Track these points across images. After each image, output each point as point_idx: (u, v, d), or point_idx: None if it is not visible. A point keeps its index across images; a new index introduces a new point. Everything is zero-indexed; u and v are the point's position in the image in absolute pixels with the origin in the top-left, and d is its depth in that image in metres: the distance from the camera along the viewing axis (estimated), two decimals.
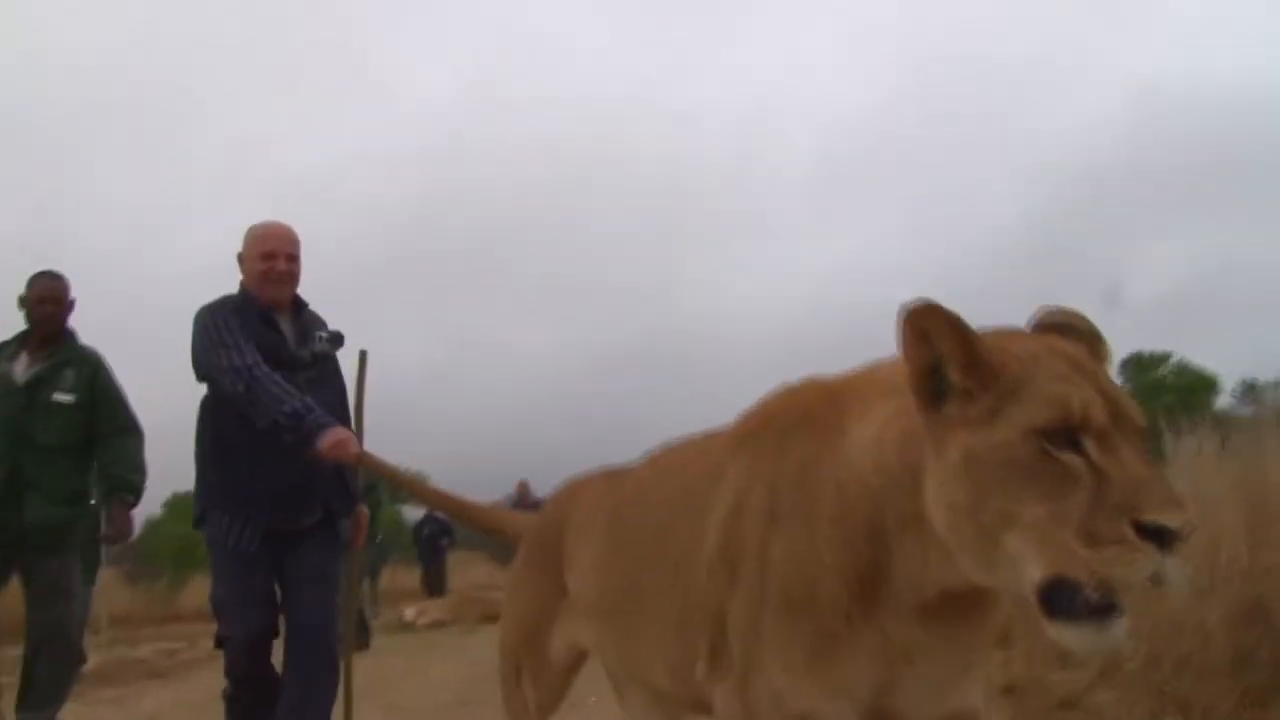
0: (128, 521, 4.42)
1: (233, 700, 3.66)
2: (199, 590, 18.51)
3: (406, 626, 13.40)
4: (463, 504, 3.89)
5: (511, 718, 2.74)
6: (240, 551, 3.58)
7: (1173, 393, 38.80)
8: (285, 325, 3.84)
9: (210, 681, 8.60)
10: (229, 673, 3.66)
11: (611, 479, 2.62)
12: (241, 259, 3.87)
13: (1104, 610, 1.35)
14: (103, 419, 4.53)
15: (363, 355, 4.01)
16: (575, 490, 2.75)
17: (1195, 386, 39.97)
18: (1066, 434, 1.39)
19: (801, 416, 1.85)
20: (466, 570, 24.49)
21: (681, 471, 2.20)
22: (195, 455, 3.81)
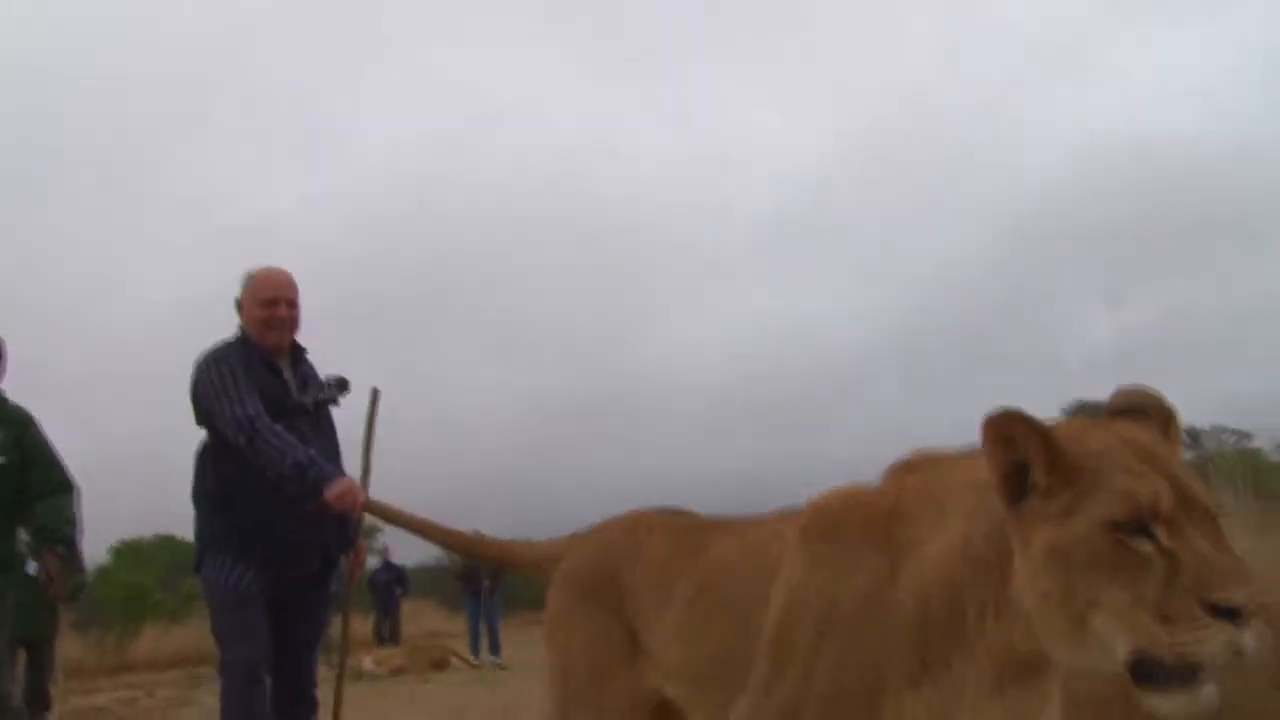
0: (60, 571, 4.20)
1: None
2: (150, 640, 18.42)
3: (362, 675, 13.49)
4: (478, 542, 3.92)
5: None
6: (241, 591, 3.62)
7: None
8: (285, 371, 3.87)
9: None
10: (226, 700, 3.65)
11: (676, 534, 2.64)
12: (240, 304, 3.88)
13: (1189, 678, 1.46)
14: (34, 479, 4.35)
15: (375, 393, 4.06)
16: (634, 536, 2.72)
17: None
18: (1137, 524, 1.51)
19: (871, 531, 1.95)
20: (417, 618, 24.38)
21: (758, 556, 2.29)
22: (194, 498, 3.83)
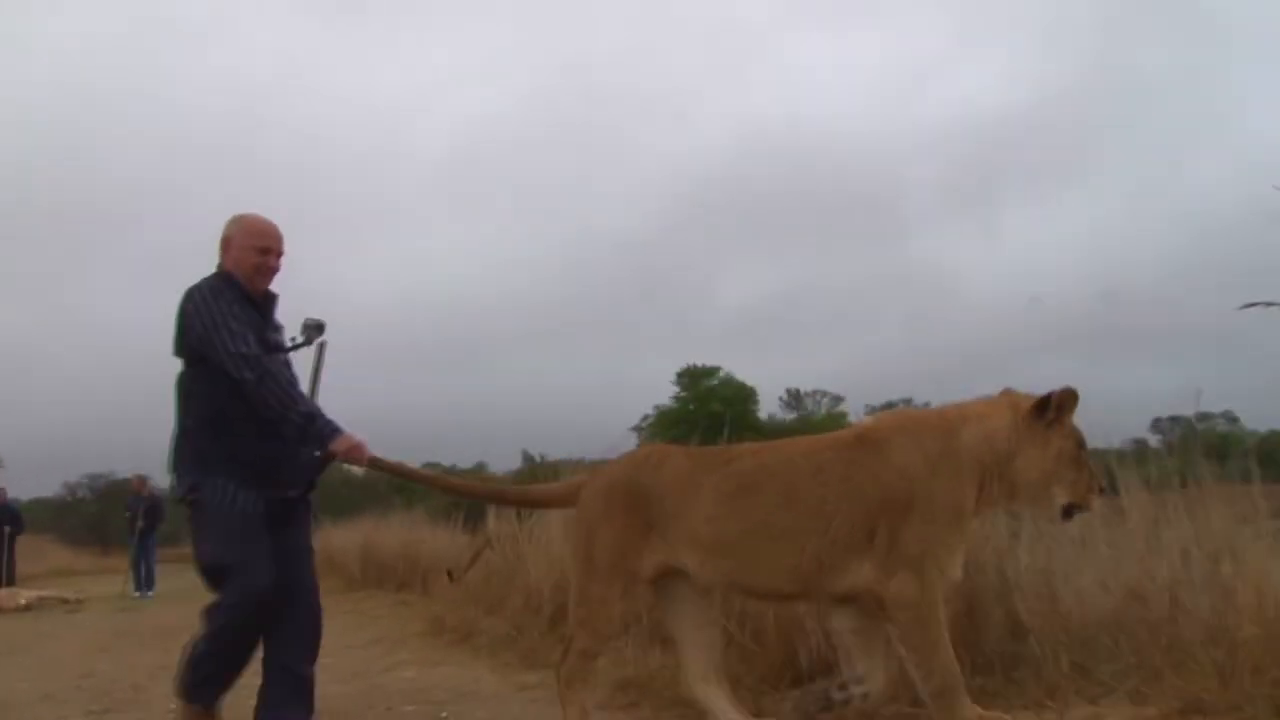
0: None
1: (212, 655, 3.70)
2: None
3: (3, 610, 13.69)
4: (494, 490, 4.54)
5: (591, 607, 3.50)
6: (248, 514, 3.69)
7: (721, 401, 44.90)
8: (261, 314, 3.95)
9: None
10: (227, 627, 3.67)
11: (694, 455, 3.64)
12: (229, 244, 3.90)
13: (1081, 512, 3.27)
14: None
15: (321, 345, 4.11)
16: (653, 459, 3.62)
17: (739, 396, 46.20)
18: (1082, 445, 3.22)
19: (928, 424, 3.35)
20: (41, 557, 23.42)
21: (806, 459, 3.38)
22: (182, 428, 3.83)
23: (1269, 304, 3.16)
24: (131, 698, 5.26)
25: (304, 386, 3.95)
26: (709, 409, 43.06)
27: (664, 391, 48.64)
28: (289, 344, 4.00)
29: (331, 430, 3.66)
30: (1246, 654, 3.20)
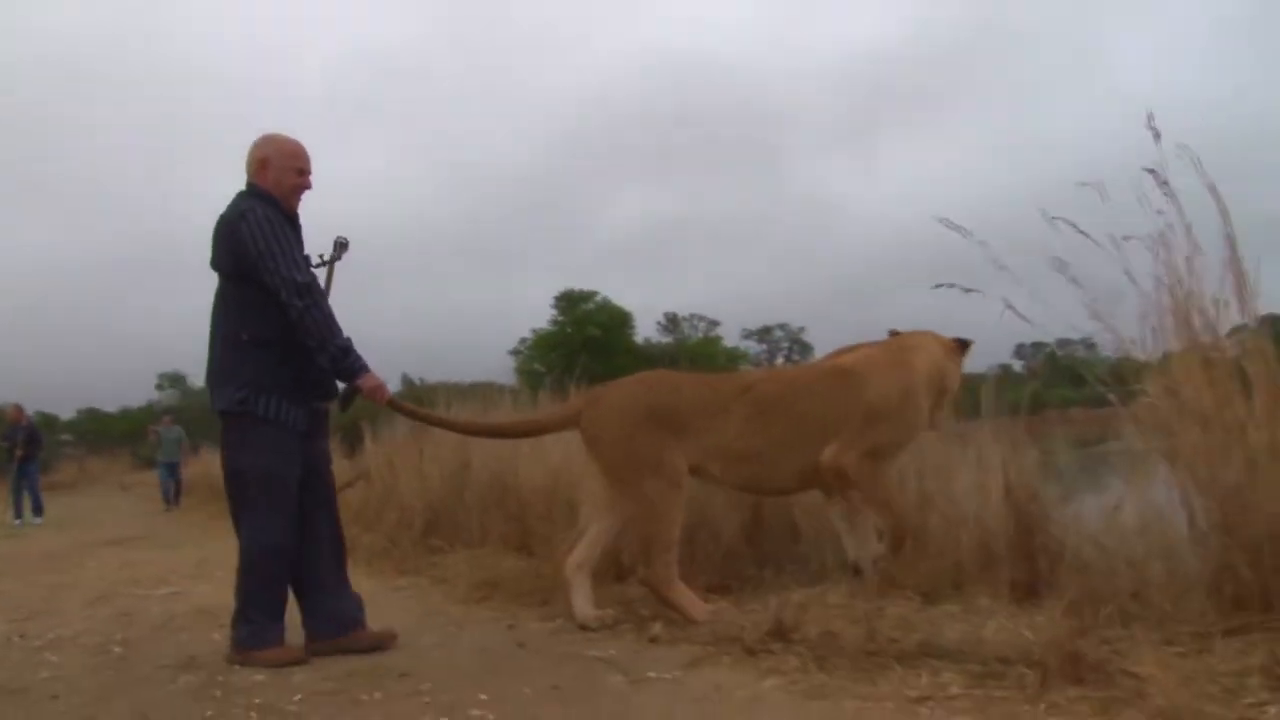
0: None
1: (279, 555, 3.90)
2: None
3: None
4: (500, 425, 5.17)
5: (655, 505, 4.01)
6: (294, 429, 3.93)
7: (598, 325, 45.68)
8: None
9: None
10: (274, 534, 3.88)
11: (708, 381, 4.47)
12: (266, 165, 3.96)
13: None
14: None
15: (340, 244, 4.34)
16: (673, 387, 4.29)
17: (616, 320, 46.90)
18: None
19: (891, 365, 4.29)
20: None
21: (807, 387, 4.36)
22: (230, 342, 3.92)
23: (954, 286, 3.99)
24: (46, 608, 5.80)
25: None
26: (586, 333, 43.90)
27: (542, 316, 49.27)
28: (316, 261, 4.19)
29: (361, 367, 3.89)
30: (934, 546, 4.23)
